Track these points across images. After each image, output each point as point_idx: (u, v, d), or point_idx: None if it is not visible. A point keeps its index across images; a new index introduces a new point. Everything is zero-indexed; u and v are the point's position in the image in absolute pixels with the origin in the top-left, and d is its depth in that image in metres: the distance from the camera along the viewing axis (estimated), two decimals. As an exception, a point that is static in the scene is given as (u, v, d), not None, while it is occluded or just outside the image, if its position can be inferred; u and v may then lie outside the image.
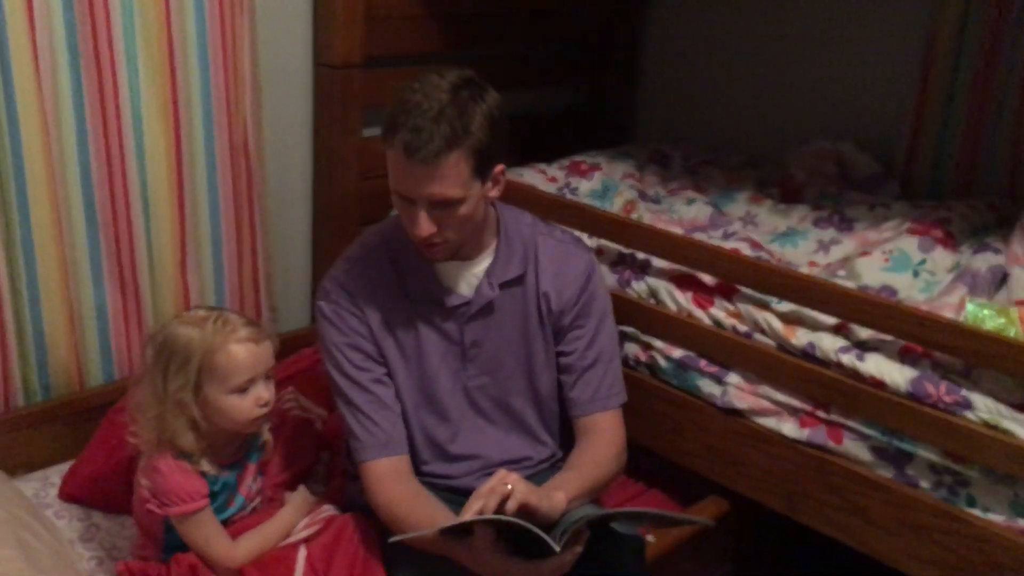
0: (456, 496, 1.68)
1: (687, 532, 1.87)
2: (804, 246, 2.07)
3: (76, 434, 2.07)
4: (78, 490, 1.93)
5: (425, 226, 1.53)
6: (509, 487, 1.42)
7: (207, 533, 1.60)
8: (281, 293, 2.49)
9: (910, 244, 1.94)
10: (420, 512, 1.57)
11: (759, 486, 1.88)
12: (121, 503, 1.90)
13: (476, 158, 1.51)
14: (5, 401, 2.03)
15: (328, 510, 1.79)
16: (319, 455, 2.04)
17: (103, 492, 1.92)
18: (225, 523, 1.66)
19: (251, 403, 1.61)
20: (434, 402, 1.72)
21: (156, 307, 2.20)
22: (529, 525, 1.35)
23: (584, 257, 1.77)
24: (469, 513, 1.42)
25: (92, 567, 1.78)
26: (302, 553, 1.65)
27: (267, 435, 1.76)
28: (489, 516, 1.40)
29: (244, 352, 1.59)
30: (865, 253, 1.95)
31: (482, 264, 1.68)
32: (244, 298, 2.36)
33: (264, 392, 1.62)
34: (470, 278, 1.68)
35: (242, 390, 1.60)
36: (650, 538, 1.83)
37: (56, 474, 1.99)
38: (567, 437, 1.81)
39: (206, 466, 1.62)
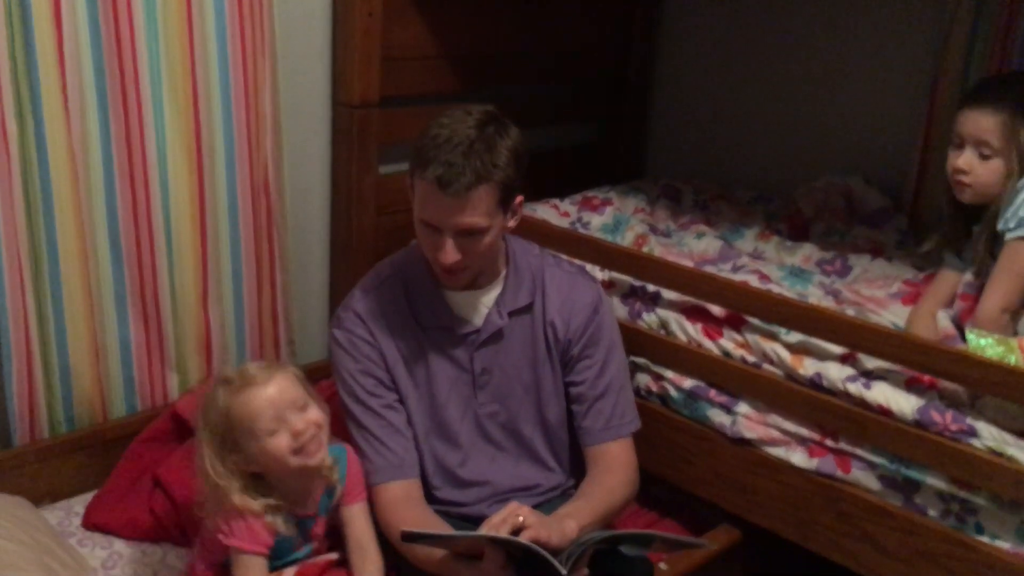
0: (467, 524, 1.72)
1: (699, 559, 1.89)
2: (812, 291, 2.10)
3: (99, 464, 2.11)
4: (101, 519, 1.97)
5: (451, 254, 1.59)
6: (521, 519, 1.46)
7: None
8: (299, 326, 2.53)
9: (898, 312, 1.95)
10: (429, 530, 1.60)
11: (770, 514, 1.90)
12: (143, 531, 1.95)
13: (501, 191, 1.59)
14: (31, 432, 2.07)
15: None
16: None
17: (125, 521, 1.95)
18: (290, 563, 1.66)
19: (287, 440, 1.56)
20: (444, 428, 1.75)
21: (178, 340, 2.25)
22: (537, 548, 1.38)
23: (591, 287, 1.82)
24: (484, 530, 1.45)
25: (115, 594, 1.82)
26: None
27: (334, 474, 1.68)
28: (502, 535, 1.43)
29: (255, 396, 1.56)
30: None
31: (492, 293, 1.73)
32: (263, 331, 2.41)
33: (297, 422, 1.56)
34: (480, 307, 1.73)
35: (272, 432, 1.56)
36: (663, 566, 1.85)
37: (80, 503, 2.03)
38: (578, 465, 1.84)
39: (280, 525, 1.61)
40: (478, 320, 1.73)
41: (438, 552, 1.58)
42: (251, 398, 1.56)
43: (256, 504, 1.58)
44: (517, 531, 1.45)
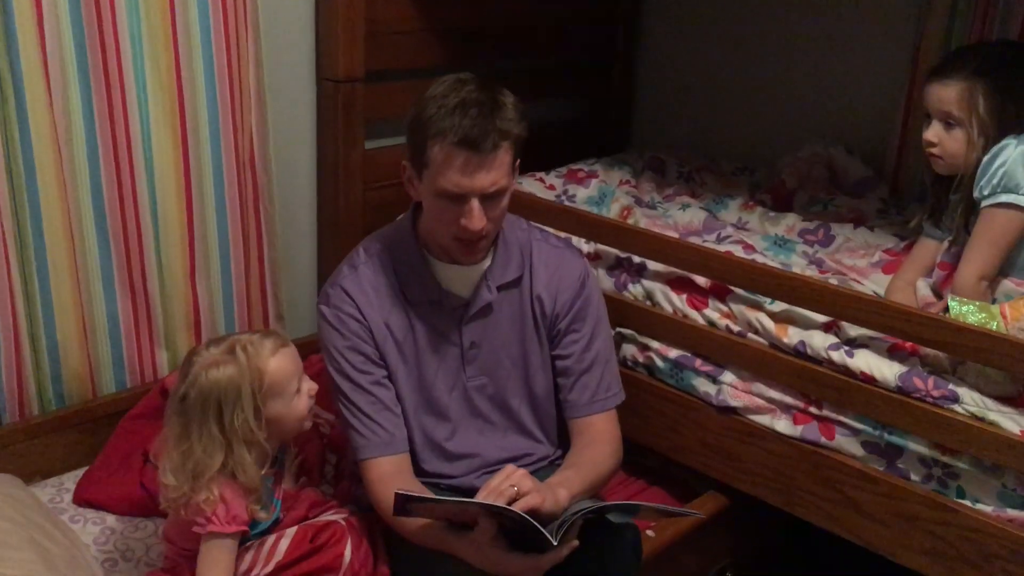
0: (457, 495, 1.73)
1: (686, 526, 1.92)
2: (796, 261, 2.12)
3: (90, 441, 2.11)
4: (92, 494, 1.97)
5: (479, 218, 1.58)
6: (515, 489, 1.47)
7: (214, 562, 1.57)
8: (287, 301, 2.54)
9: (879, 281, 1.98)
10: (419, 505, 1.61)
11: (756, 481, 1.93)
12: (135, 506, 1.95)
13: (516, 150, 1.62)
14: (20, 410, 2.08)
15: (324, 516, 1.78)
16: (326, 458, 2.08)
17: (117, 496, 1.96)
18: (262, 533, 1.67)
19: (306, 398, 1.67)
20: (433, 402, 1.77)
21: (166, 316, 2.25)
22: (528, 518, 1.40)
23: (578, 262, 1.82)
24: (480, 498, 1.47)
25: (108, 568, 1.83)
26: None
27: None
28: (494, 504, 1.45)
29: (285, 359, 1.63)
30: None
31: (481, 267, 1.73)
32: (251, 306, 2.41)
33: (310, 382, 1.68)
34: (468, 280, 1.73)
35: (297, 392, 1.65)
36: (650, 532, 1.88)
37: (71, 480, 2.04)
38: (564, 436, 1.85)
39: (260, 513, 1.62)
40: (466, 294, 1.74)
41: (430, 524, 1.59)
42: (281, 362, 1.61)
43: (257, 477, 1.59)
44: (512, 501, 1.47)
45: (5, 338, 2.00)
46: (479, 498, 1.50)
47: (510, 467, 1.55)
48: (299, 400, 1.65)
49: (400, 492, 1.51)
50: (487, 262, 1.74)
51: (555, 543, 1.40)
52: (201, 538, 1.59)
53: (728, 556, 2.09)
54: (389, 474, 1.68)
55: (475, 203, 1.57)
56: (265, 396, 1.59)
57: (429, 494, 1.56)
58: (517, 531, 1.49)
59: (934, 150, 1.84)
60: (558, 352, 1.79)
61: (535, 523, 1.40)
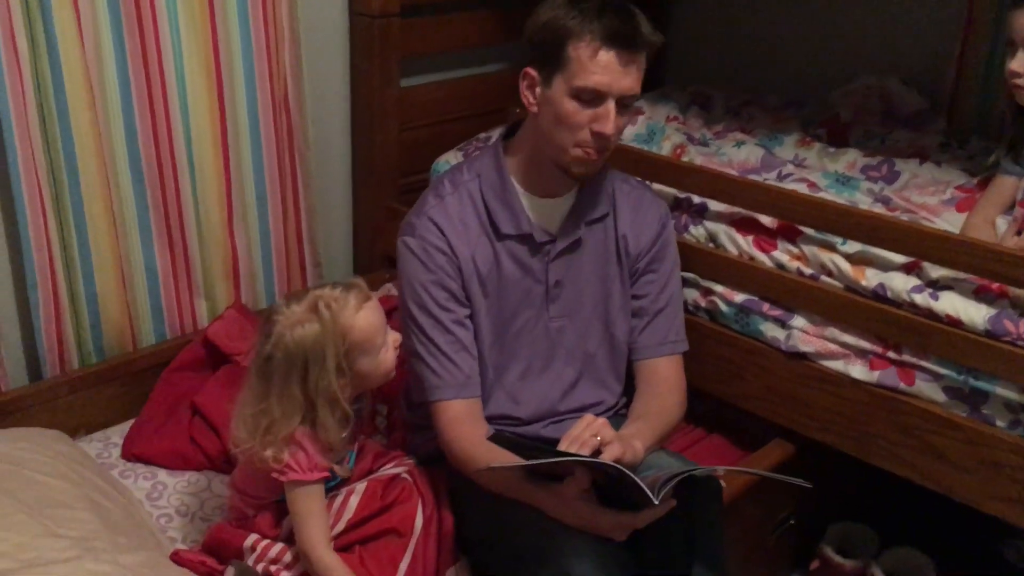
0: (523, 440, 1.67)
1: (754, 478, 1.86)
2: (860, 198, 2.03)
3: (132, 394, 2.06)
4: (141, 449, 1.93)
5: (614, 122, 1.54)
6: (599, 439, 1.42)
7: (309, 510, 1.54)
8: (323, 247, 2.46)
9: (953, 220, 1.88)
10: (498, 452, 1.55)
11: (828, 429, 1.87)
12: (185, 460, 1.91)
13: (647, 63, 1.58)
14: (60, 364, 2.02)
15: (389, 469, 1.74)
16: (376, 409, 2.03)
17: (166, 450, 1.92)
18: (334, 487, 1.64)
19: (392, 350, 1.61)
20: (508, 341, 1.71)
21: (205, 265, 2.19)
22: (628, 473, 1.34)
23: (659, 203, 1.79)
24: (569, 449, 1.41)
25: (163, 524, 1.78)
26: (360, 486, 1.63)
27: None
28: (592, 459, 1.39)
29: (371, 313, 1.57)
30: None
31: (569, 202, 1.69)
32: (289, 253, 2.34)
33: (393, 333, 1.63)
34: (557, 215, 1.69)
35: (384, 345, 1.59)
36: (721, 482, 1.83)
37: (117, 434, 1.99)
38: (629, 385, 1.81)
39: (339, 470, 1.59)
40: (554, 230, 1.68)
41: (510, 477, 1.54)
42: (367, 317, 1.55)
43: (337, 437, 1.55)
44: (596, 451, 1.41)
45: (44, 290, 1.94)
46: (564, 448, 1.44)
47: (589, 416, 1.50)
48: (386, 353, 1.60)
49: (491, 466, 1.48)
50: (574, 197, 1.69)
51: (656, 501, 1.34)
52: (282, 488, 1.56)
53: (791, 506, 2.04)
54: (462, 416, 1.63)
55: (612, 105, 1.53)
56: (353, 354, 1.54)
57: (515, 460, 1.51)
58: (604, 484, 1.43)
59: (1019, 80, 1.75)
60: (634, 292, 1.75)
61: (636, 478, 1.33)
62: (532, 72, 1.59)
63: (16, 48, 1.79)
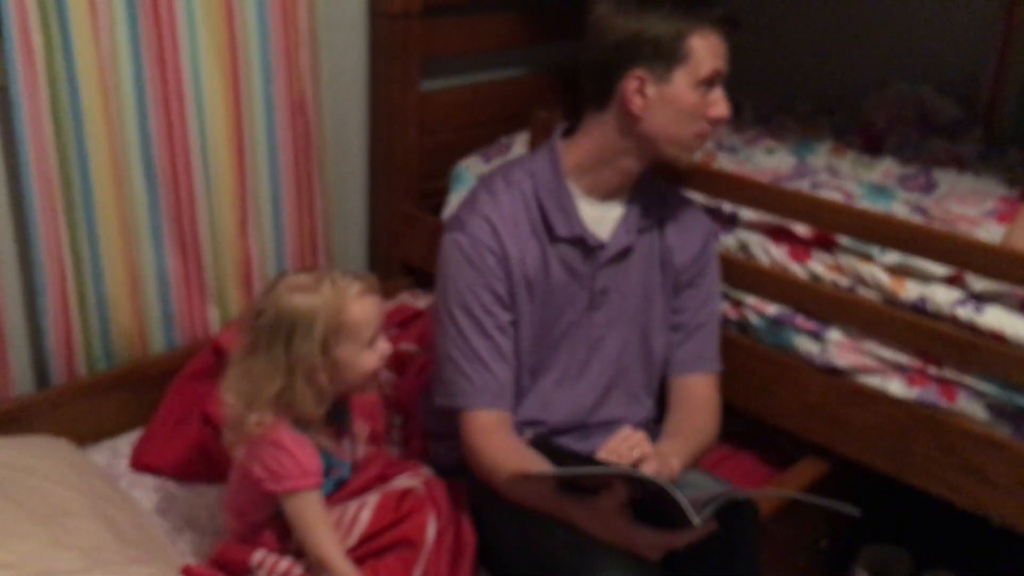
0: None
1: (786, 500, 1.78)
2: (897, 208, 1.96)
3: (141, 402, 2.00)
4: (150, 459, 1.87)
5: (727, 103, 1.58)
6: (638, 452, 1.36)
7: (314, 518, 1.50)
8: (339, 253, 2.40)
9: (994, 231, 1.81)
10: (531, 461, 1.49)
11: (863, 446, 1.79)
12: (195, 471, 1.84)
13: None
14: (68, 370, 1.97)
15: (402, 479, 1.69)
16: (391, 419, 1.97)
17: (176, 461, 1.85)
18: (338, 487, 1.59)
19: (377, 357, 1.55)
20: (548, 346, 1.65)
21: (218, 271, 2.13)
22: (670, 491, 1.26)
23: (705, 217, 1.75)
24: (611, 459, 1.36)
25: (172, 537, 1.72)
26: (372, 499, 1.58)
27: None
28: (636, 473, 1.32)
29: (369, 305, 1.53)
30: None
31: (619, 208, 1.65)
32: (304, 259, 2.28)
33: (385, 345, 1.57)
34: (608, 221, 1.64)
35: (371, 344, 1.54)
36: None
37: (125, 444, 1.94)
38: (660, 401, 1.74)
39: (323, 440, 1.54)
40: (605, 235, 1.63)
41: (542, 488, 1.48)
42: (363, 305, 1.52)
43: (316, 411, 1.52)
44: (634, 463, 1.36)
45: (52, 294, 1.88)
46: (604, 458, 1.38)
47: (628, 429, 1.44)
48: (369, 354, 1.54)
49: (520, 472, 1.43)
50: (625, 203, 1.65)
51: (697, 522, 1.27)
52: (275, 503, 1.51)
53: (824, 527, 1.96)
54: (494, 426, 1.56)
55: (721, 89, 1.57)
56: (338, 334, 1.50)
57: (531, 461, 1.44)
58: (640, 501, 1.36)
59: None
60: (674, 306, 1.70)
61: (678, 497, 1.26)
62: (642, 73, 1.53)
63: (30, 41, 1.73)
